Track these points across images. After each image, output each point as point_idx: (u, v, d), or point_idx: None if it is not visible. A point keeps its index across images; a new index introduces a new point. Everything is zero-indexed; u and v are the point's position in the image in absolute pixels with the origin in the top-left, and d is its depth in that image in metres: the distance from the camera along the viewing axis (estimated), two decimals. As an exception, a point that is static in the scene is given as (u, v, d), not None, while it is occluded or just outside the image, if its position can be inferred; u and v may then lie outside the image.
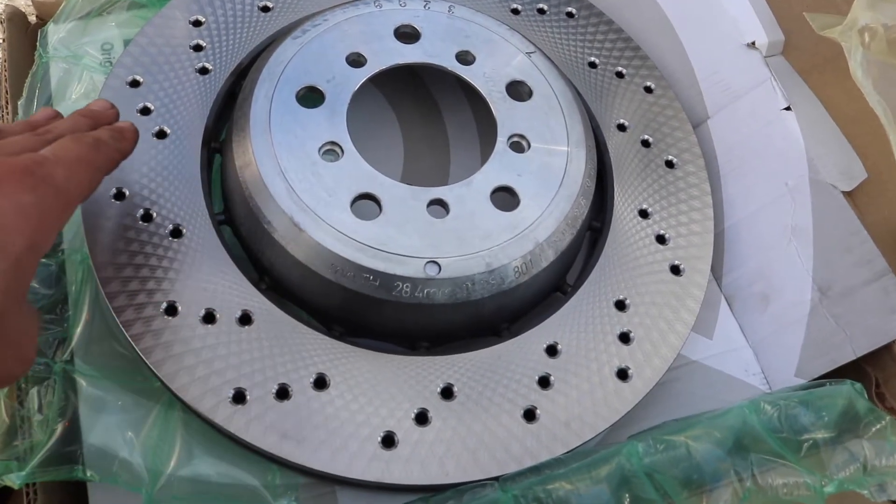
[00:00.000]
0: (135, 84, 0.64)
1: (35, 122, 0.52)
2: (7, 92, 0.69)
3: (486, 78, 0.64)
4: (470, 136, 0.72)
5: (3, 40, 0.72)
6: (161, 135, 0.62)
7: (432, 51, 0.65)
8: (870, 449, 0.53)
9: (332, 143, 0.59)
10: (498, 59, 0.65)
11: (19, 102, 0.68)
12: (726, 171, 0.71)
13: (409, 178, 0.70)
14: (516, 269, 0.57)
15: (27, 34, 0.76)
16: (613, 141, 0.69)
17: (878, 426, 0.55)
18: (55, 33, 0.71)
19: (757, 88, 0.69)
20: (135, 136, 0.55)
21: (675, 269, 0.64)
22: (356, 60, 0.63)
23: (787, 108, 0.68)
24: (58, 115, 0.54)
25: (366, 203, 0.58)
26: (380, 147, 0.71)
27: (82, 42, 0.71)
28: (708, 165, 0.70)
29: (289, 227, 0.56)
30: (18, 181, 0.41)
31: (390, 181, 0.58)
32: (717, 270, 0.70)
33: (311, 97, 0.61)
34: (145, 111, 0.63)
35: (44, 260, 0.61)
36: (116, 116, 0.56)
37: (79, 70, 0.70)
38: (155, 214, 0.59)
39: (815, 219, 0.65)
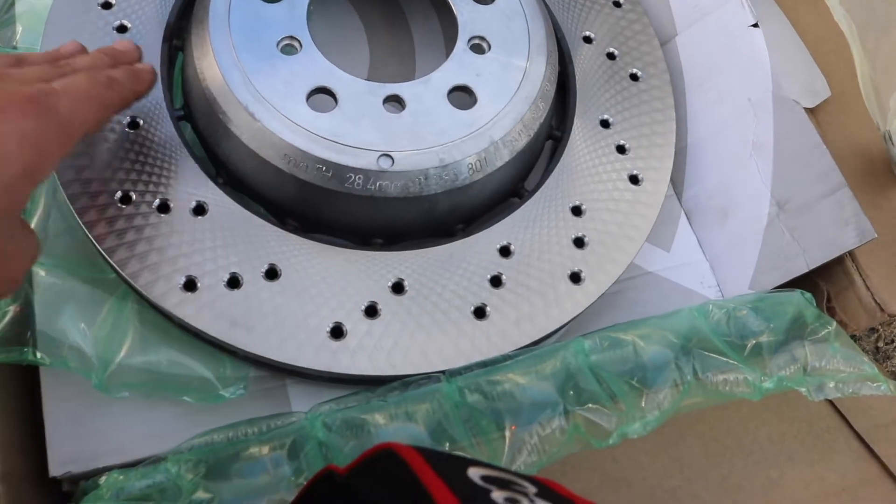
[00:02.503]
0: (97, -22, 0.63)
1: (57, 55, 0.52)
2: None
3: (450, -21, 0.64)
4: (435, 41, 0.71)
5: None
6: (122, 29, 0.61)
7: (397, -49, 0.64)
8: (812, 351, 0.54)
9: (291, 37, 0.59)
10: (463, -39, 0.65)
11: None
12: (692, 87, 0.71)
13: (373, 80, 0.70)
14: (470, 167, 0.57)
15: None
16: (579, 53, 0.68)
17: (824, 332, 0.56)
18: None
19: (725, 5, 0.69)
20: (152, 77, 0.55)
21: (634, 179, 0.64)
22: (319, -43, 0.63)
23: (755, 25, 0.67)
24: (82, 50, 0.54)
25: (322, 97, 0.57)
26: (345, 51, 0.71)
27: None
28: (674, 81, 0.70)
29: (244, 117, 0.56)
30: (22, 109, 0.41)
31: (348, 76, 0.58)
32: (678, 186, 0.70)
33: (271, -8, 0.61)
34: (106, 5, 0.62)
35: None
36: (139, 58, 0.57)
37: (42, -34, 0.69)
38: (113, 108, 0.58)
39: (776, 134, 0.65)
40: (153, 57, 0.61)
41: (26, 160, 0.41)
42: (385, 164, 0.55)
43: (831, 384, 0.53)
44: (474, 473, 0.40)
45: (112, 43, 0.57)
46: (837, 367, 0.53)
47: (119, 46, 0.55)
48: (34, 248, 0.46)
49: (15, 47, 0.65)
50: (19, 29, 0.66)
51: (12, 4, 0.68)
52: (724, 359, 0.52)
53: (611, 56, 0.69)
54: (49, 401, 0.55)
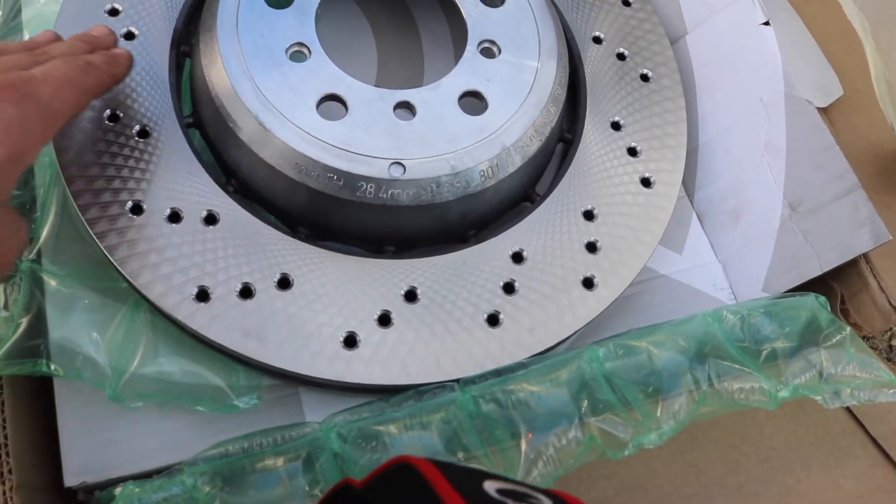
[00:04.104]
0: (103, -16, 0.63)
1: (34, 44, 0.53)
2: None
3: (459, -18, 0.63)
4: (444, 45, 0.71)
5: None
6: (129, 36, 0.61)
7: (405, -46, 0.64)
8: (827, 358, 0.54)
9: (300, 43, 0.58)
10: (472, -36, 0.64)
11: (-13, 2, 0.66)
12: (702, 87, 0.70)
13: (382, 85, 0.69)
14: (482, 173, 0.57)
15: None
16: (589, 53, 0.68)
17: (838, 337, 0.55)
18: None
19: (736, 3, 0.68)
20: (128, 62, 0.56)
21: (646, 182, 0.63)
22: (327, -39, 0.62)
23: (766, 24, 0.66)
24: (57, 38, 0.54)
25: (332, 104, 0.57)
26: (353, 55, 0.70)
27: (50, -57, 0.69)
28: (684, 81, 0.70)
29: (254, 126, 0.55)
30: (2, 96, 0.43)
31: (357, 83, 0.58)
32: (689, 187, 0.70)
33: (280, -2, 0.60)
34: (113, 12, 0.62)
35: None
36: (114, 43, 0.57)
37: (49, -30, 0.68)
38: (122, 115, 0.58)
39: (789, 135, 0.64)
40: (161, 64, 0.61)
41: (10, 145, 0.42)
42: (396, 172, 0.55)
43: (847, 391, 0.52)
44: (490, 486, 0.40)
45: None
46: (853, 373, 0.53)
47: (95, 32, 0.56)
48: (24, 234, 0.47)
49: (22, 54, 0.65)
50: (27, 35, 0.66)
51: (19, 11, 0.67)
52: (740, 366, 0.52)
53: (621, 56, 0.68)
54: (63, 411, 0.55)
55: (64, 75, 0.47)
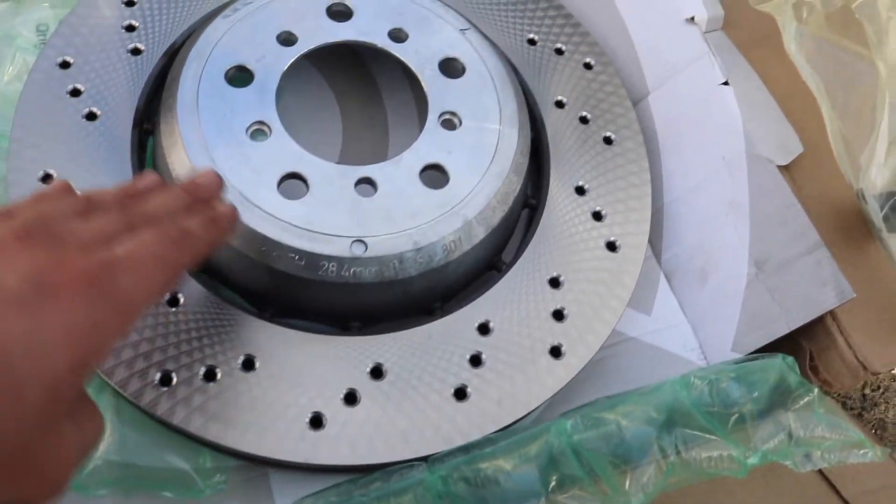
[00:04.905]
0: (65, 65, 0.63)
1: (132, 191, 0.46)
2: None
3: (419, 55, 0.64)
4: (409, 114, 0.71)
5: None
6: (91, 117, 0.61)
7: (364, 28, 0.64)
8: (795, 420, 0.53)
9: (261, 122, 0.58)
10: (431, 36, 0.65)
11: (-51, 85, 0.66)
12: (666, 147, 0.71)
13: (347, 156, 0.70)
14: (445, 247, 0.57)
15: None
16: (551, 118, 0.68)
17: (807, 399, 0.55)
18: (-14, 14, 0.70)
19: (695, 63, 0.69)
20: (230, 225, 0.50)
21: (611, 246, 0.63)
22: (287, 39, 0.63)
23: (726, 83, 0.67)
24: (160, 185, 0.48)
25: (294, 182, 0.57)
26: (318, 126, 0.70)
27: (15, 23, 0.70)
28: (648, 141, 0.70)
29: (215, 207, 0.55)
30: (76, 290, 0.36)
31: (318, 160, 0.58)
32: (656, 247, 0.70)
33: (240, 77, 0.61)
34: (75, 93, 0.62)
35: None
36: (219, 190, 0.51)
37: (11, 51, 0.68)
38: (83, 197, 0.58)
39: (752, 193, 0.65)
40: (123, 143, 0.61)
41: (75, 352, 0.35)
42: (358, 250, 0.55)
43: (817, 453, 0.52)
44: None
45: (138, 183, 0.48)
46: (822, 434, 0.53)
47: (200, 180, 0.50)
48: (85, 444, 0.39)
49: (-14, 133, 0.65)
50: (-12, 115, 0.66)
51: (-18, 91, 0.67)
52: (708, 434, 0.52)
53: (584, 120, 0.69)
54: None
55: (152, 256, 0.40)
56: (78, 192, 0.44)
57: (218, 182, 0.51)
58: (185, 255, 0.43)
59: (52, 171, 0.58)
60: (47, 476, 0.36)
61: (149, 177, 0.48)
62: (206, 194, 0.49)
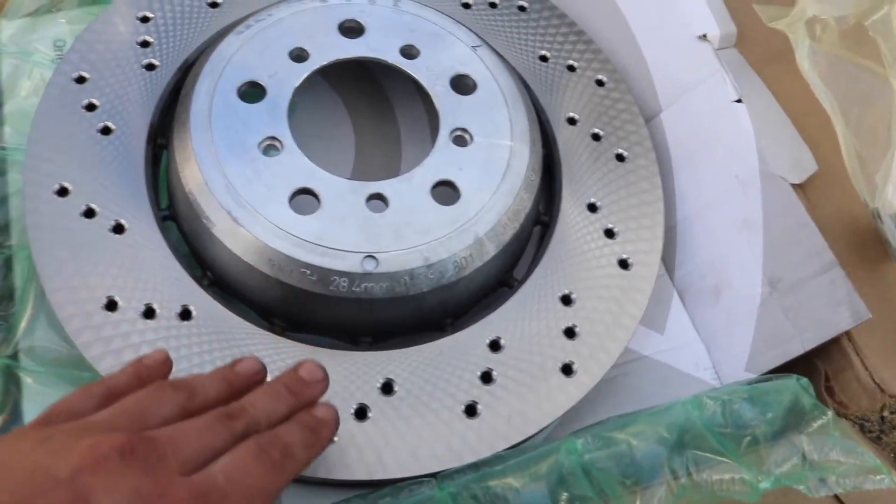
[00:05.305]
0: (81, 80, 0.63)
1: (234, 380, 0.45)
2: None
3: (430, 71, 0.64)
4: (421, 131, 0.71)
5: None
6: (106, 131, 0.62)
7: (376, 45, 0.64)
8: (808, 444, 0.53)
9: (272, 137, 0.59)
10: (443, 52, 0.65)
11: (-33, 100, 0.67)
12: (678, 165, 0.70)
13: (359, 172, 0.70)
14: (456, 264, 0.57)
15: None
16: (563, 135, 0.68)
17: (821, 421, 0.54)
18: (5, 29, 0.71)
19: (707, 81, 0.69)
20: (332, 435, 0.46)
21: (623, 263, 0.63)
22: (299, 55, 0.63)
23: (739, 101, 0.67)
24: (261, 373, 0.47)
25: (305, 198, 0.57)
26: (330, 142, 0.71)
27: (32, 38, 0.70)
28: (660, 159, 0.70)
29: (227, 222, 0.55)
30: None
31: (330, 176, 0.58)
32: (669, 264, 0.70)
33: (252, 92, 0.61)
34: (90, 107, 0.62)
35: (-10, 256, 0.61)
36: (324, 390, 0.47)
37: (28, 67, 0.69)
38: (98, 210, 0.58)
39: (765, 211, 0.64)
40: (137, 158, 0.61)
41: None
42: (369, 265, 0.55)
43: (832, 478, 0.51)
44: None
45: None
46: (837, 458, 0.52)
47: (304, 374, 0.47)
48: None
49: (3, 148, 0.66)
50: (7, 130, 0.66)
51: (1, 104, 0.68)
52: (719, 456, 0.51)
53: (596, 137, 0.69)
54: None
55: (252, 486, 0.38)
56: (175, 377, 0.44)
57: (323, 381, 0.47)
58: (283, 479, 0.41)
59: (67, 185, 0.59)
60: None
61: (250, 364, 0.47)
62: (309, 397, 0.46)
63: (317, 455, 0.45)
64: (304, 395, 0.46)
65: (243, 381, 0.45)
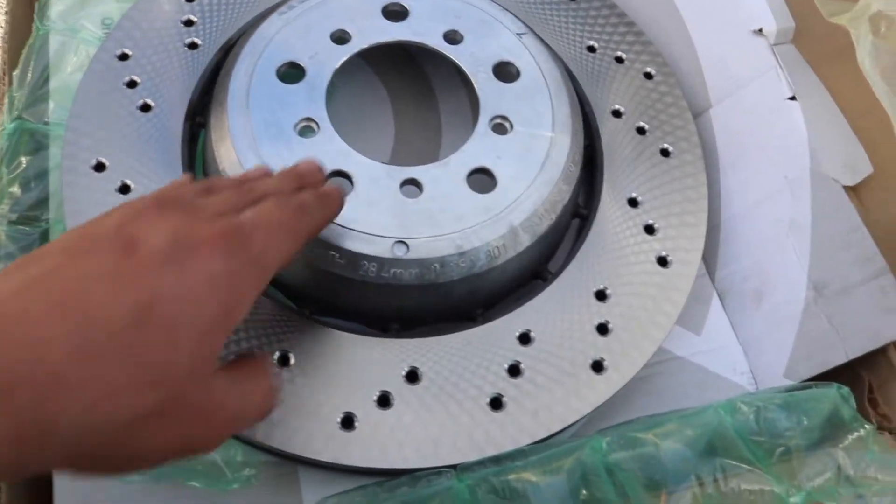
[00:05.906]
0: (124, 57, 0.64)
1: (243, 178, 0.50)
2: (4, 63, 0.69)
3: (473, 58, 0.63)
4: (463, 117, 0.70)
5: (7, 13, 0.73)
6: (146, 108, 0.62)
7: (419, 29, 0.64)
8: (845, 458, 0.50)
9: (309, 119, 0.58)
10: (487, 39, 0.64)
11: (14, 73, 0.68)
12: (726, 163, 0.68)
13: (398, 157, 0.69)
14: (488, 253, 0.56)
15: (31, 4, 0.76)
16: (607, 127, 0.66)
17: (858, 434, 0.52)
18: (55, 6, 0.71)
19: (761, 77, 0.66)
20: (340, 201, 0.51)
21: (662, 261, 0.61)
22: (341, 37, 0.62)
23: (793, 98, 0.65)
24: (268, 173, 0.51)
25: (339, 181, 0.57)
26: (370, 126, 0.70)
27: (80, 16, 0.71)
28: (708, 156, 0.68)
29: (259, 202, 0.55)
30: (211, 249, 0.38)
31: (364, 159, 0.57)
32: (710, 265, 0.68)
33: (292, 73, 0.61)
34: (132, 84, 0.63)
35: (26, 228, 0.62)
36: (323, 180, 0.52)
37: (75, 43, 0.70)
38: (133, 186, 0.59)
39: (814, 214, 0.62)
40: (175, 135, 0.61)
41: (219, 305, 0.37)
42: (400, 251, 0.54)
43: (868, 496, 0.49)
44: None
45: (246, 176, 0.51)
46: (875, 475, 0.50)
47: (302, 168, 0.51)
48: (247, 400, 0.42)
49: (47, 123, 0.66)
50: (51, 105, 0.67)
51: (47, 79, 0.69)
52: (749, 466, 0.49)
53: (641, 130, 0.67)
54: (59, 483, 0.55)
55: (278, 220, 0.42)
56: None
57: (319, 170, 0.52)
58: (305, 224, 0.46)
59: (104, 160, 0.59)
60: (207, 428, 0.39)
61: (258, 167, 0.52)
62: (311, 180, 0.50)
63: (328, 220, 0.50)
64: (306, 180, 0.50)
65: (252, 178, 0.50)
